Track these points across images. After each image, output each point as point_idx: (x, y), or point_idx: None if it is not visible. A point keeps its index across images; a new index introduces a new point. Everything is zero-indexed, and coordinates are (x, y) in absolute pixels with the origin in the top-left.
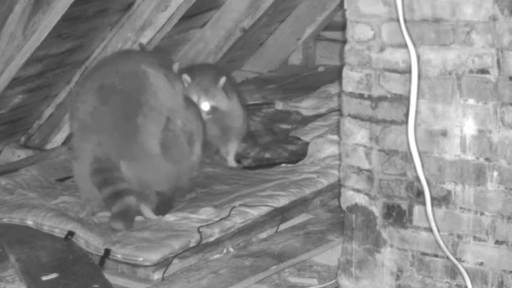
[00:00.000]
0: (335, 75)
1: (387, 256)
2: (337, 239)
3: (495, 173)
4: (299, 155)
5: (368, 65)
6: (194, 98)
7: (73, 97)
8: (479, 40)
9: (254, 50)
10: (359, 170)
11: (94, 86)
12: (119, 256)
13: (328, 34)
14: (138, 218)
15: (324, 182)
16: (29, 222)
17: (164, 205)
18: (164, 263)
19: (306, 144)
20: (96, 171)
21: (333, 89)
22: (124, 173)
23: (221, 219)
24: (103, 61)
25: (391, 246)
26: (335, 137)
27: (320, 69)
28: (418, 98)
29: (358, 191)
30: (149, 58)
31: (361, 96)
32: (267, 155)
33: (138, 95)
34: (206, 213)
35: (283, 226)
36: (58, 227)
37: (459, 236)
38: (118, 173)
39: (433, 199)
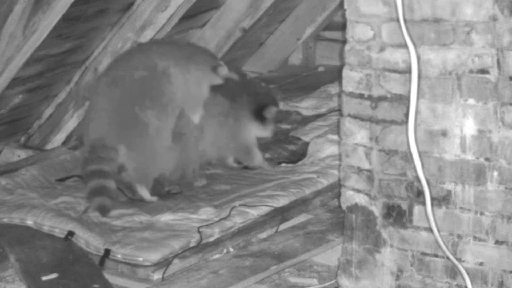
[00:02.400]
0: (335, 75)
1: (387, 256)
2: (337, 239)
3: (495, 173)
4: (299, 155)
5: (368, 65)
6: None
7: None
8: (479, 40)
9: (254, 50)
10: (359, 170)
11: (108, 76)
12: (119, 256)
13: (328, 34)
14: (138, 218)
15: (324, 182)
16: (29, 222)
17: (158, 188)
18: (164, 263)
19: (306, 144)
20: (89, 153)
21: (333, 89)
22: (122, 155)
23: (221, 219)
24: (124, 53)
25: (391, 246)
26: (335, 137)
27: (320, 69)
28: (418, 98)
29: (358, 191)
30: (173, 50)
31: (361, 96)
32: (267, 155)
33: (145, 87)
34: (206, 213)
35: (283, 226)
36: (58, 227)
37: (459, 236)
38: (106, 154)
39: (433, 199)
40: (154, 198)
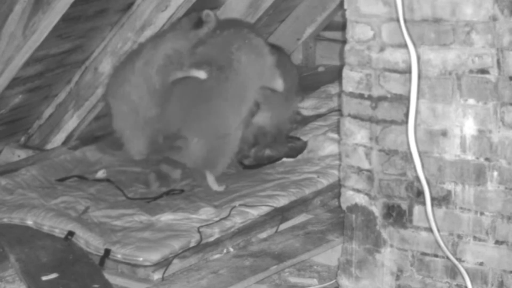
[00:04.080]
0: (335, 75)
1: (387, 256)
2: (337, 239)
3: (495, 173)
4: (298, 150)
5: (368, 65)
6: None
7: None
8: (479, 40)
9: None
10: (359, 170)
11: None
12: (119, 256)
13: (328, 34)
14: (138, 218)
15: (324, 182)
16: (29, 222)
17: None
18: (164, 263)
19: (305, 142)
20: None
21: (333, 89)
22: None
23: (221, 219)
24: None
25: (391, 246)
26: (335, 135)
27: (320, 69)
28: (418, 98)
29: (358, 191)
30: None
31: (361, 96)
32: (268, 152)
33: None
34: (206, 213)
35: (283, 226)
36: (58, 227)
37: (459, 236)
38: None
39: (433, 199)
40: (222, 188)
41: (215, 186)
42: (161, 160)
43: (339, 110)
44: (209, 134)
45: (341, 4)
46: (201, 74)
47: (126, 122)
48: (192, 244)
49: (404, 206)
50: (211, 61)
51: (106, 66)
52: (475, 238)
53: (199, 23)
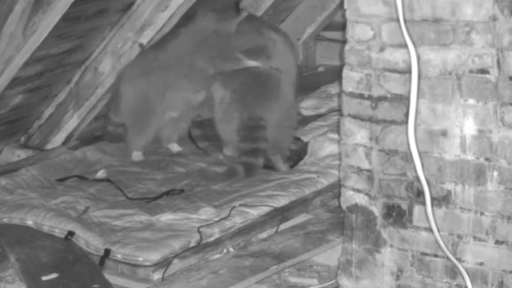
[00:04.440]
0: (335, 75)
1: (387, 256)
2: (337, 239)
3: (495, 173)
4: (299, 154)
5: (368, 65)
6: None
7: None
8: (479, 40)
9: None
10: (359, 170)
11: None
12: (119, 256)
13: (328, 34)
14: (138, 218)
15: (324, 182)
16: (29, 222)
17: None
18: (164, 263)
19: (306, 144)
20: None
21: (333, 89)
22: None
23: (221, 219)
24: None
25: (391, 246)
26: (335, 135)
27: (320, 69)
28: (418, 98)
29: (358, 191)
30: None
31: (361, 96)
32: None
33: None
34: (206, 213)
35: (283, 226)
36: (58, 227)
37: (459, 236)
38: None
39: (433, 199)
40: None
41: (284, 167)
42: (247, 151)
43: (339, 110)
44: (280, 120)
45: (341, 4)
46: (256, 63)
47: (135, 113)
48: (192, 244)
49: (404, 206)
50: (259, 50)
51: (106, 66)
52: (475, 238)
53: (237, 10)
